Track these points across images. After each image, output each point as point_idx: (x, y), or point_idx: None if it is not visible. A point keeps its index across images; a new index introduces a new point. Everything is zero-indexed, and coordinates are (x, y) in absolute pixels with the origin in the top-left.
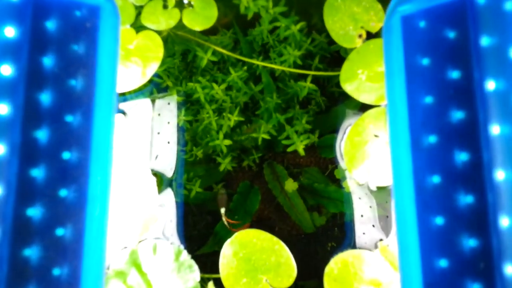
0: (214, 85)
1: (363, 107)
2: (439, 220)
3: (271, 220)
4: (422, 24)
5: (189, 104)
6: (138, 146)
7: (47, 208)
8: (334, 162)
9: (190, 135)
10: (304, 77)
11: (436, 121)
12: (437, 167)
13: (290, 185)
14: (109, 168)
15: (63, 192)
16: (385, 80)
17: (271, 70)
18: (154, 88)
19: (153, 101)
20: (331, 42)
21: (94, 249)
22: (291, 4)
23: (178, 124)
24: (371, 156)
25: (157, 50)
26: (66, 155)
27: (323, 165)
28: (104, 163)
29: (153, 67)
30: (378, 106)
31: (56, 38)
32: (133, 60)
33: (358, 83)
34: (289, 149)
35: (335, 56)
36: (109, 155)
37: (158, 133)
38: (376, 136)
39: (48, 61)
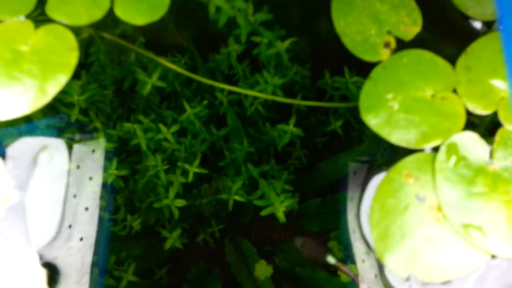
0: (162, 126)
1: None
2: None
3: None
4: None
5: (124, 154)
6: (28, 218)
7: None
8: (319, 236)
9: (124, 198)
10: (282, 119)
11: None
12: None
13: (262, 270)
14: None
15: None
16: None
17: (239, 111)
18: (75, 129)
19: (69, 147)
20: (316, 75)
21: None
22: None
23: (105, 182)
24: (415, 232)
25: (68, 55)
26: None
27: None
28: None
29: (60, 81)
30: (421, 150)
31: None
32: (26, 69)
33: (387, 114)
34: (264, 213)
35: (319, 95)
36: None
37: (74, 196)
38: (420, 198)
39: None
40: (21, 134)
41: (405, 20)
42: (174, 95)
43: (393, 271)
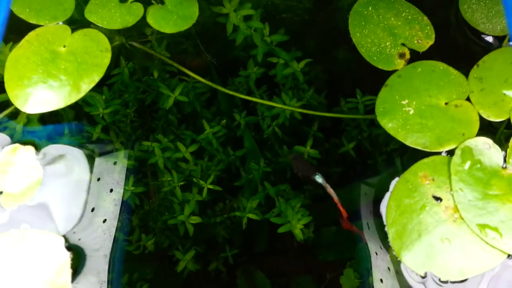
0: (180, 145)
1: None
2: None
3: None
4: None
5: (140, 175)
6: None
7: None
8: (336, 268)
9: (139, 218)
10: (298, 144)
11: None
12: None
13: None
14: None
15: None
16: None
17: (255, 136)
18: (96, 147)
19: (90, 158)
20: (332, 102)
21: None
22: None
23: (121, 202)
24: (432, 231)
25: (101, 55)
26: None
27: (318, 272)
28: None
29: (93, 78)
30: (438, 153)
31: None
32: (62, 67)
33: (403, 118)
34: (281, 230)
35: (334, 123)
36: None
37: (93, 209)
38: (437, 198)
39: None
40: (49, 137)
41: (419, 34)
42: (193, 118)
43: (410, 267)
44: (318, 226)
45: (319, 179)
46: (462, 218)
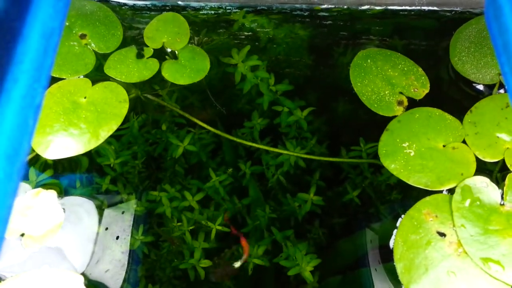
0: (187, 193)
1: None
2: None
3: None
4: None
5: (148, 225)
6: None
7: None
8: None
9: (146, 268)
10: (301, 190)
11: None
12: None
13: None
14: None
15: None
16: None
17: (260, 186)
18: (105, 198)
19: (99, 209)
20: (333, 150)
21: None
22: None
23: (131, 248)
24: (438, 265)
25: (119, 106)
26: None
27: None
28: None
29: (111, 127)
30: (440, 192)
31: None
32: (82, 116)
33: (405, 159)
34: (291, 273)
35: (335, 173)
36: None
37: (97, 262)
38: (441, 234)
39: None
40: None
41: (415, 83)
42: (198, 169)
43: None
44: (323, 275)
45: (237, 264)
46: (466, 253)
